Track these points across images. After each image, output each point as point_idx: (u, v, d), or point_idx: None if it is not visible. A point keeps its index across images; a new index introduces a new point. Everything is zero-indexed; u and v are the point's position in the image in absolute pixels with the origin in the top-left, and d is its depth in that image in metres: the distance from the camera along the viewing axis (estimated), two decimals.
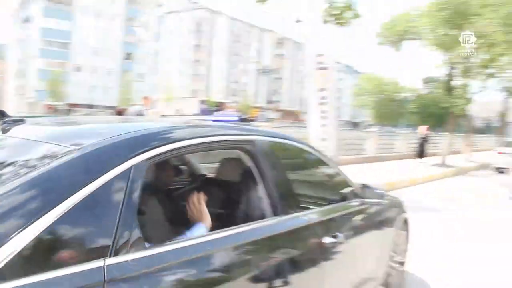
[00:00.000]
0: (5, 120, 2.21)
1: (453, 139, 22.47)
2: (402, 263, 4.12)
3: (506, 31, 18.73)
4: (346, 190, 3.18)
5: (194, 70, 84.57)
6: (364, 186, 3.50)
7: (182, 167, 3.70)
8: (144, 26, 71.60)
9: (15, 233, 1.27)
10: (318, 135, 11.38)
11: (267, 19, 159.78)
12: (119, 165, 1.58)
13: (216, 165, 3.37)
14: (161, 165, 2.55)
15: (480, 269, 5.04)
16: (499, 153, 20.56)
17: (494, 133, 48.59)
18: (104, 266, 1.40)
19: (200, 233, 1.99)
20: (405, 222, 4.16)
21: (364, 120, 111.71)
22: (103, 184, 1.50)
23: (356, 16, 13.24)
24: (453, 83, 22.11)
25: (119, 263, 1.45)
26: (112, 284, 1.39)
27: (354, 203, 3.18)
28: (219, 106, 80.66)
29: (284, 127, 17.84)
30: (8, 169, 1.60)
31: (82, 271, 1.35)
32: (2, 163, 1.67)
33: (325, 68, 11.40)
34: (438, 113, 25.35)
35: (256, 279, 1.96)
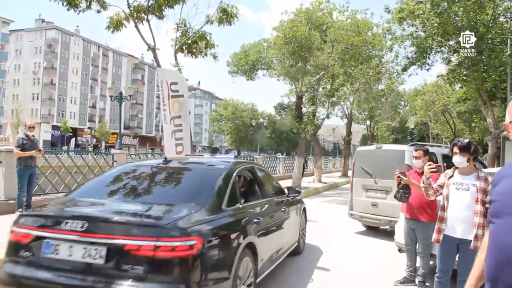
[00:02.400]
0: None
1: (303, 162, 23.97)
2: (304, 232, 7.91)
3: (343, 65, 20.83)
4: (281, 189, 6.98)
5: (46, 93, 79.05)
6: (288, 188, 7.06)
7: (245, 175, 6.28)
8: None
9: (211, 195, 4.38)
10: None
11: (125, 42, 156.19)
12: (234, 173, 4.97)
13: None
14: (241, 174, 5.77)
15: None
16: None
17: (341, 156, 52.96)
18: (238, 206, 4.68)
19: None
20: (304, 209, 7.99)
21: (222, 145, 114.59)
22: (233, 180, 4.84)
23: (209, 46, 13.65)
24: (302, 110, 23.65)
25: (236, 207, 4.60)
26: (240, 211, 4.66)
27: (285, 196, 6.77)
28: (73, 132, 76.41)
29: (140, 154, 17.50)
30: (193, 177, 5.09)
31: (235, 207, 4.55)
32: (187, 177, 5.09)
33: (179, 96, 11.59)
34: (291, 138, 26.77)
35: (268, 214, 5.45)
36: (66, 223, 3.54)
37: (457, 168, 4.56)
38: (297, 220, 7.21)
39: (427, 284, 5.71)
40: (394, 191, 6.09)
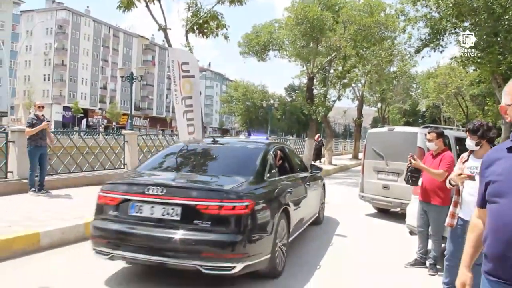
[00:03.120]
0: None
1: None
2: (323, 205, 8.92)
3: (355, 46, 20.60)
4: (305, 166, 7.99)
5: (57, 74, 79.27)
6: (312, 165, 8.32)
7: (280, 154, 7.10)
8: None
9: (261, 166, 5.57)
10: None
11: (135, 23, 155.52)
12: (270, 151, 6.00)
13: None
14: (275, 152, 6.46)
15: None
16: None
17: (352, 138, 52.75)
18: (275, 178, 5.78)
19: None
20: (324, 185, 9.10)
21: (233, 127, 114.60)
22: (271, 157, 5.90)
23: (220, 26, 13.53)
24: (313, 92, 23.51)
25: (274, 179, 5.69)
26: (277, 182, 5.74)
27: (308, 172, 7.72)
28: (85, 113, 76.77)
29: (151, 134, 17.55)
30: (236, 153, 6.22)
31: (273, 179, 5.70)
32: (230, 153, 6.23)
33: (190, 76, 11.56)
34: (302, 120, 26.74)
35: (297, 186, 6.52)
36: (149, 189, 4.60)
37: (471, 152, 4.50)
38: (318, 193, 8.37)
39: (438, 267, 5.70)
40: (405, 174, 6.08)
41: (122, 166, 13.38)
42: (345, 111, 42.89)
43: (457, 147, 8.49)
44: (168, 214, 4.50)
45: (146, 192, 4.59)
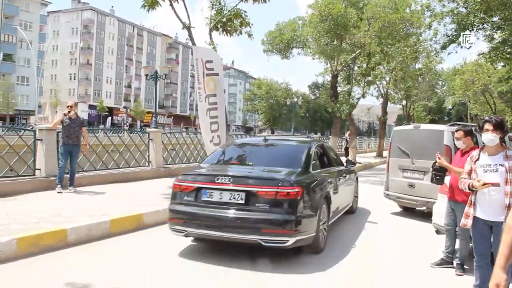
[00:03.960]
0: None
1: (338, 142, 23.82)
2: (357, 197, 9.89)
3: (380, 43, 20.34)
4: (341, 161, 8.97)
5: (82, 73, 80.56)
6: (347, 160, 9.40)
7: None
8: (26, 26, 66.60)
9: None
10: (210, 139, 11.50)
11: (159, 22, 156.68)
12: (313, 147, 7.01)
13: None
14: (317, 149, 7.33)
15: None
16: None
17: (376, 136, 52.17)
18: (318, 171, 6.84)
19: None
20: (357, 178, 10.04)
21: (256, 124, 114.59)
22: (314, 152, 6.92)
23: (244, 24, 13.50)
24: (337, 89, 23.33)
25: (317, 171, 6.75)
26: (320, 174, 6.81)
27: (344, 167, 8.70)
28: (109, 112, 77.81)
29: (175, 132, 17.70)
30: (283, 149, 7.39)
31: (317, 171, 6.77)
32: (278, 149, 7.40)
33: (214, 74, 11.57)
34: (325, 118, 26.65)
35: (335, 178, 7.53)
36: (218, 178, 5.69)
37: (482, 149, 4.39)
38: (352, 185, 9.41)
39: (465, 267, 5.59)
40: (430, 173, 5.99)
41: (146, 164, 13.51)
42: (369, 108, 42.33)
43: None
44: (234, 198, 5.57)
45: (216, 181, 5.68)
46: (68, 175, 9.85)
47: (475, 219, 4.36)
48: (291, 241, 5.43)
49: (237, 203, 5.53)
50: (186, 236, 5.93)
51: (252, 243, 5.51)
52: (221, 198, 5.63)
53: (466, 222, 4.42)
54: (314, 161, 6.72)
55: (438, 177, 5.98)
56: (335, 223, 7.71)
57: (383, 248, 6.93)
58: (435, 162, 5.87)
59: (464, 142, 5.66)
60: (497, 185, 4.03)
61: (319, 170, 6.85)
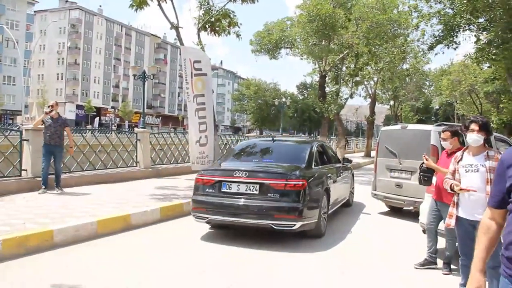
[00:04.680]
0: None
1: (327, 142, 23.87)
2: (353, 191, 10.86)
3: (368, 43, 20.45)
4: (338, 159, 10.06)
5: (70, 73, 79.81)
6: (343, 158, 10.48)
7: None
8: (13, 25, 65.78)
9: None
10: (197, 139, 11.48)
11: (147, 22, 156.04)
12: (314, 146, 8.07)
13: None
14: (317, 147, 8.30)
15: None
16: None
17: (364, 136, 52.43)
18: (319, 167, 7.88)
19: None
20: (353, 174, 11.06)
21: (244, 125, 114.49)
22: (315, 151, 7.93)
23: (232, 24, 13.50)
24: (325, 89, 23.40)
25: (318, 167, 7.77)
26: (321, 169, 7.88)
27: (341, 164, 9.72)
28: (97, 112, 77.22)
29: (163, 132, 17.61)
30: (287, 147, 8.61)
31: (318, 167, 7.77)
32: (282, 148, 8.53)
33: (202, 74, 11.56)
34: (314, 118, 26.68)
35: (333, 173, 8.53)
36: (236, 173, 6.69)
37: (465, 149, 4.45)
38: (349, 181, 10.42)
39: (452, 266, 5.63)
40: (418, 173, 6.02)
41: (134, 164, 13.44)
42: (357, 108, 42.64)
43: None
44: (249, 190, 6.56)
45: (234, 175, 6.68)
46: (53, 176, 9.75)
47: (458, 219, 4.43)
48: (297, 225, 6.43)
49: (252, 194, 6.53)
50: (208, 222, 7.06)
51: (265, 227, 6.54)
52: (238, 189, 6.61)
53: (450, 222, 4.50)
54: (315, 158, 7.75)
55: (426, 179, 5.90)
56: (334, 214, 8.73)
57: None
58: (422, 163, 5.88)
59: (450, 142, 5.66)
60: (474, 191, 4.09)
61: (320, 166, 7.87)
